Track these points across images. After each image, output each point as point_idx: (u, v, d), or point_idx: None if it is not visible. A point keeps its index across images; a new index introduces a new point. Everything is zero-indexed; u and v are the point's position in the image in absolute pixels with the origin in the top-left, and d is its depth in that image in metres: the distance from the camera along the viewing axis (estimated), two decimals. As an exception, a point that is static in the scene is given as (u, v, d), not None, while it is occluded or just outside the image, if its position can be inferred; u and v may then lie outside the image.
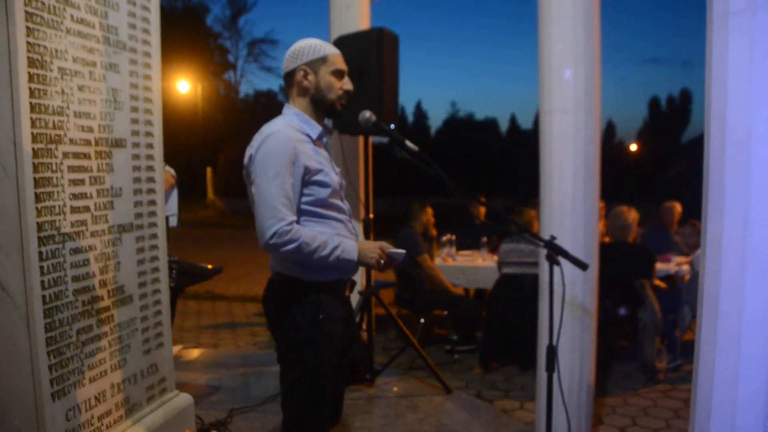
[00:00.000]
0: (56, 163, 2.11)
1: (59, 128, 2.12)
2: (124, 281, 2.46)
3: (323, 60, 2.10)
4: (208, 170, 22.67)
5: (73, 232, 2.19)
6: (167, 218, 3.74)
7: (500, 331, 4.74)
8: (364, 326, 4.05)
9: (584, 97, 2.95)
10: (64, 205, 2.14)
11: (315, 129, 2.10)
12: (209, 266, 3.17)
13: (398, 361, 4.70)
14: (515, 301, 4.60)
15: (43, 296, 2.04)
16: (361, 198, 3.99)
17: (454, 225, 6.39)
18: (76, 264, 2.20)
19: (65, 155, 2.15)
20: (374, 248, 2.08)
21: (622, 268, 4.41)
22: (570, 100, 2.95)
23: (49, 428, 2.05)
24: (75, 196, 2.19)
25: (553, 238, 2.25)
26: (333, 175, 2.10)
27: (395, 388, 4.02)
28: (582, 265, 2.16)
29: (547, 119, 3.02)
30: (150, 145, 2.63)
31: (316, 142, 2.12)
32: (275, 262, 2.11)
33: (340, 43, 3.82)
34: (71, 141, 2.18)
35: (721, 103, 1.35)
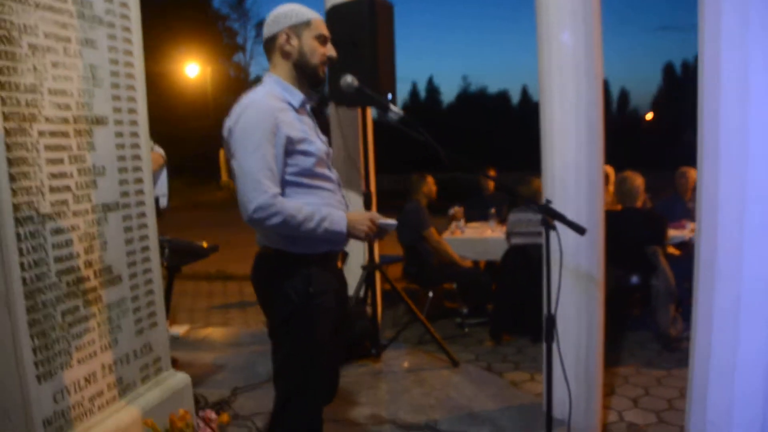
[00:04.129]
0: (31, 142, 2.05)
1: (33, 106, 2.05)
2: (112, 261, 2.42)
3: (307, 24, 2.02)
4: (221, 152, 22.64)
5: (54, 212, 2.14)
6: (158, 198, 3.70)
7: (510, 302, 4.66)
8: (369, 301, 4.00)
9: (584, 57, 2.81)
10: (42, 184, 2.09)
11: (296, 96, 2.02)
12: (205, 244, 3.12)
13: (407, 336, 4.66)
14: (525, 272, 4.51)
15: (24, 278, 1.99)
16: (361, 172, 3.90)
17: (462, 197, 6.30)
18: (59, 244, 2.15)
19: (41, 134, 2.09)
20: (364, 219, 2.01)
21: (633, 235, 4.29)
22: (570, 61, 2.82)
23: (35, 410, 2.02)
24: (54, 176, 2.14)
25: (548, 202, 2.15)
26: (318, 144, 2.03)
27: (406, 364, 3.97)
28: (580, 230, 2.06)
29: (546, 82, 2.89)
30: (134, 122, 2.56)
31: (299, 110, 2.04)
32: (262, 236, 2.05)
33: (333, 13, 3.71)
34: (47, 119, 2.12)
35: (714, 59, 1.23)
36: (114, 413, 2.36)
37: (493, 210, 5.61)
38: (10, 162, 1.96)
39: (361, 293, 3.93)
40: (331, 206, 2.02)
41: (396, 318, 5.43)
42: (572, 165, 2.87)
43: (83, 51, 2.29)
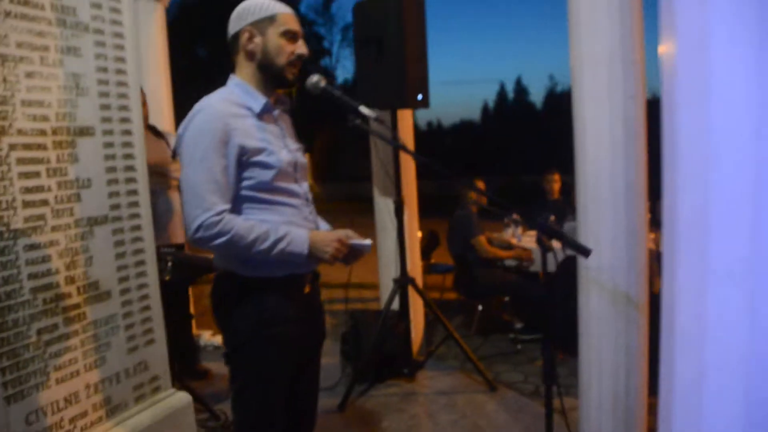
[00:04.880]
0: (0, 156, 1.99)
1: (2, 118, 2.00)
2: (99, 276, 2.34)
3: (271, 20, 1.82)
4: (306, 156, 23.04)
5: (28, 228, 2.07)
6: None
7: (563, 317, 4.26)
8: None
9: (620, 44, 2.45)
10: (14, 199, 2.03)
11: (258, 101, 1.83)
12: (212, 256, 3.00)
13: (456, 353, 4.37)
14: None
15: (-9, 296, 1.94)
16: (392, 179, 3.68)
17: (524, 203, 5.92)
18: (34, 260, 2.09)
19: (12, 147, 2.02)
20: (330, 240, 1.79)
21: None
22: (604, 49, 2.47)
23: (3, 433, 1.96)
24: (28, 190, 2.07)
25: (545, 218, 1.84)
26: (283, 154, 1.83)
27: (440, 385, 3.70)
28: (584, 252, 1.74)
29: (578, 73, 2.55)
30: (127, 132, 2.48)
31: (265, 116, 1.85)
32: (216, 256, 1.88)
33: (359, 10, 3.51)
34: (20, 131, 2.05)
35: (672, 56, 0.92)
36: (98, 435, 2.28)
37: (552, 217, 5.20)
38: (-24, 177, 1.91)
39: (395, 308, 3.70)
40: (294, 224, 1.81)
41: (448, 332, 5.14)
42: (607, 170, 2.51)
43: (65, 59, 2.22)
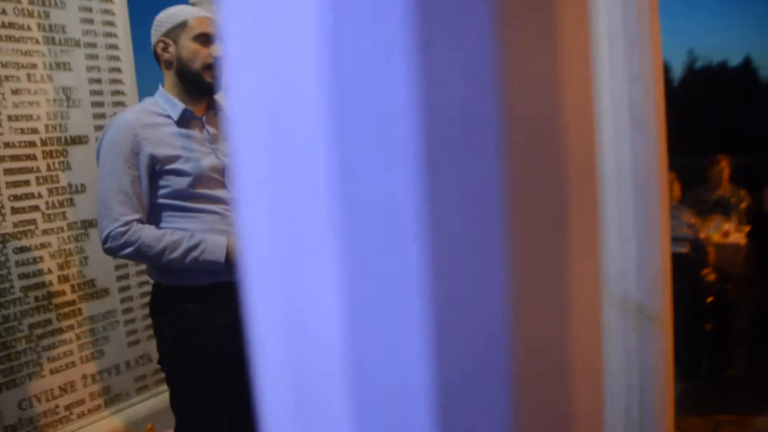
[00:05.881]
0: (-13, 168, 2.19)
1: (-12, 134, 2.20)
2: (95, 275, 2.50)
3: (183, 26, 1.80)
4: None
5: (18, 232, 2.27)
6: None
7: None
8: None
9: (621, 19, 2.10)
10: (2, 206, 2.23)
11: (176, 108, 1.82)
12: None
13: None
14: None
15: (-20, 295, 2.16)
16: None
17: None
18: (24, 262, 2.28)
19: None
20: None
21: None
22: (601, 25, 2.13)
23: (-6, 417, 2.19)
24: (16, 197, 2.27)
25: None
26: (207, 160, 1.81)
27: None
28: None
29: (575, 56, 2.23)
30: (125, 138, 2.61)
31: (190, 123, 1.84)
32: (146, 266, 1.92)
33: None
34: (6, 144, 2.24)
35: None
36: (94, 422, 2.46)
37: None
38: (-37, 188, 2.12)
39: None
40: (215, 231, 1.79)
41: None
42: (611, 164, 2.17)
43: (54, 75, 2.38)
